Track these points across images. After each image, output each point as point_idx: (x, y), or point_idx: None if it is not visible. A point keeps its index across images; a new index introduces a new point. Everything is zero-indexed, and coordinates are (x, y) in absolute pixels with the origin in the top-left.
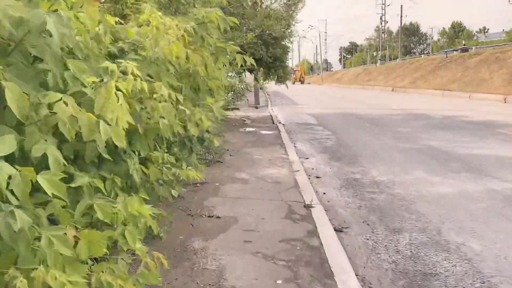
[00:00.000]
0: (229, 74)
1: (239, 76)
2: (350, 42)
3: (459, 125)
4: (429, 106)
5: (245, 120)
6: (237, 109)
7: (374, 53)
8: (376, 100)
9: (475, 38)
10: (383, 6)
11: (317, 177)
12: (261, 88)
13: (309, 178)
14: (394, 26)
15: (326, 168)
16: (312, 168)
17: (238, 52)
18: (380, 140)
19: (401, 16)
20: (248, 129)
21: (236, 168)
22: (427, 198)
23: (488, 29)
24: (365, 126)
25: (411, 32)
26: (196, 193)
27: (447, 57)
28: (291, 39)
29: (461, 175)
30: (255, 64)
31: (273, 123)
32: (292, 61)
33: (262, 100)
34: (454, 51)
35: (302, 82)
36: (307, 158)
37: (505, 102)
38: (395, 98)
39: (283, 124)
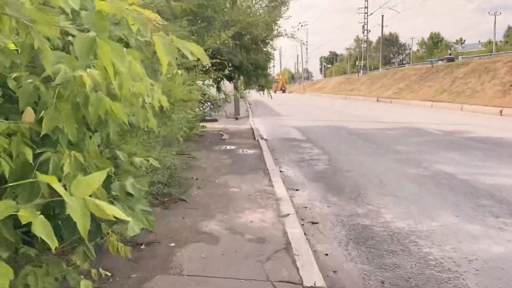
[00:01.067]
0: (205, 82)
1: (217, 85)
2: (330, 52)
3: (466, 144)
4: (423, 119)
5: (222, 135)
6: (215, 120)
7: (357, 62)
8: (363, 111)
9: (452, 48)
10: (366, 15)
11: (314, 223)
12: (242, 97)
13: (302, 224)
14: (373, 36)
15: (323, 207)
16: (306, 207)
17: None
18: (381, 163)
19: (382, 26)
20: (225, 146)
21: (203, 212)
22: (476, 265)
23: (464, 40)
24: (359, 143)
25: (390, 43)
26: (135, 265)
27: (432, 66)
28: (274, 45)
29: (506, 221)
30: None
31: (255, 138)
32: (274, 70)
33: (242, 110)
34: (440, 61)
35: (284, 91)
36: (297, 190)
37: (501, 115)
38: (382, 109)
39: (266, 140)
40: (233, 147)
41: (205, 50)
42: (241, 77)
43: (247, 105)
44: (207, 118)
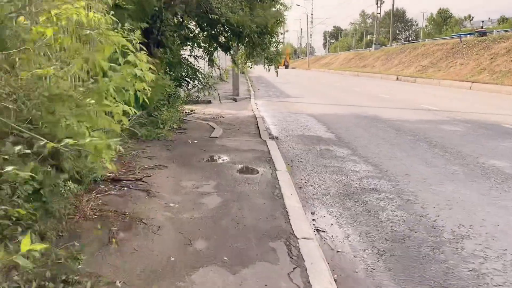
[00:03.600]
0: (194, 54)
1: (209, 57)
2: (334, 27)
3: None
4: (479, 106)
5: (213, 129)
6: (209, 102)
7: (369, 37)
8: (393, 93)
9: (461, 25)
10: None
11: None
12: (242, 73)
13: None
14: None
15: None
16: None
17: None
18: None
19: None
20: (212, 156)
21: None
22: None
23: (473, 17)
24: (423, 150)
25: (396, 18)
26: None
27: (461, 41)
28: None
29: None
30: None
31: (259, 135)
32: (287, 39)
33: (242, 89)
34: (468, 35)
35: (287, 67)
36: None
37: None
38: (412, 90)
39: (276, 139)
40: (225, 159)
41: None
42: (242, 47)
43: (248, 82)
44: (199, 99)
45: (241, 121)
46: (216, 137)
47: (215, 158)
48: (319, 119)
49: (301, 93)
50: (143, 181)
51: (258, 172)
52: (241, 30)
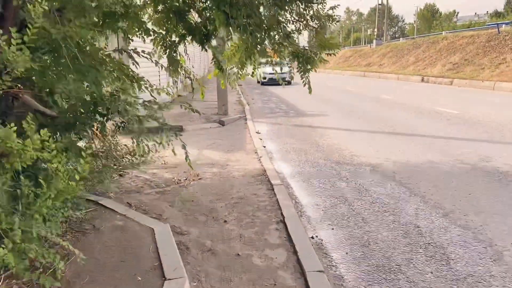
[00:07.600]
0: (131, 48)
1: (169, 54)
2: None
3: None
4: None
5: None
6: (180, 130)
7: (372, 32)
8: (453, 106)
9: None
10: None
11: None
12: (231, 84)
13: None
14: (364, 9)
15: None
16: None
17: None
18: None
19: None
20: None
21: None
22: None
23: (458, 12)
24: None
25: (382, 14)
26: None
27: (499, 32)
28: None
29: None
30: None
31: None
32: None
33: (231, 101)
34: (504, 24)
35: None
36: None
37: None
38: (474, 99)
39: None
40: None
41: None
42: (234, 34)
43: (237, 88)
44: (164, 124)
45: (241, 197)
46: None
47: None
48: (414, 191)
49: (318, 106)
50: None
51: None
52: None
